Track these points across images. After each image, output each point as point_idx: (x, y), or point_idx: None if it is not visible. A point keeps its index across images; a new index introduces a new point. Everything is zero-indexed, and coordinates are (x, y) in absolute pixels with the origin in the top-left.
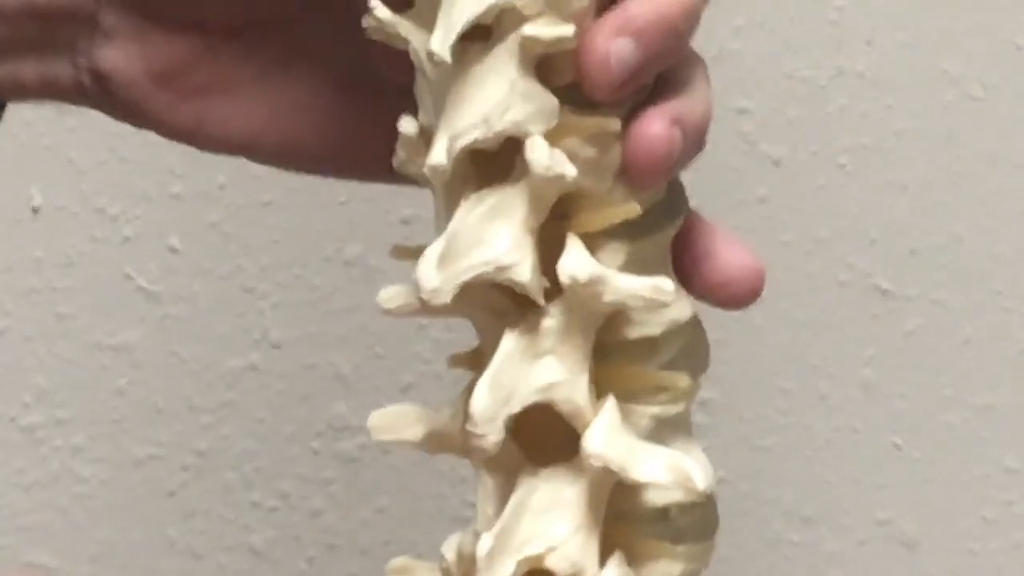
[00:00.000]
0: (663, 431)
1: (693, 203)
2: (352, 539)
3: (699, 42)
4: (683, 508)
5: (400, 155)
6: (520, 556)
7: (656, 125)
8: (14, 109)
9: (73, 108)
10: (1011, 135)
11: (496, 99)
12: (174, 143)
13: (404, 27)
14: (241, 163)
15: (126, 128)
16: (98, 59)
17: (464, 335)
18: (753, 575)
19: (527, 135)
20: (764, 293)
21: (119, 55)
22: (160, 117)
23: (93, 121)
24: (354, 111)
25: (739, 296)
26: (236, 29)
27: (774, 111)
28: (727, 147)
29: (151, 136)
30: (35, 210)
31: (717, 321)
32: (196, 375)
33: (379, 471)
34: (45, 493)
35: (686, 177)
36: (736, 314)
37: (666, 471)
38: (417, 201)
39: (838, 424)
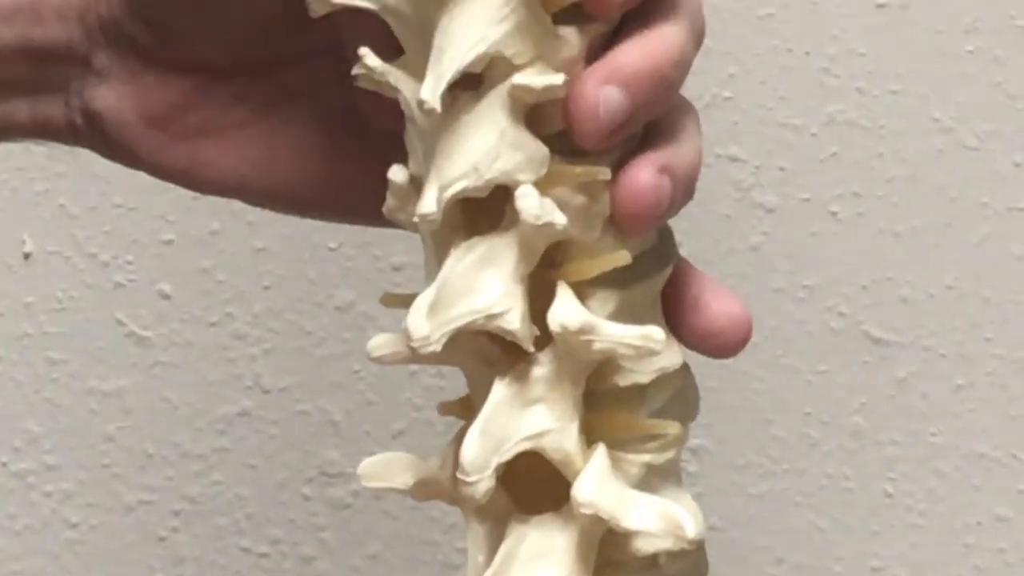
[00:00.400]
0: (653, 479)
1: (686, 251)
2: None
3: (691, 90)
4: (672, 556)
5: (390, 203)
6: None
7: (644, 174)
8: (6, 154)
9: (65, 153)
10: (1002, 183)
11: (486, 148)
12: (166, 188)
13: (394, 75)
14: (233, 210)
15: (118, 174)
16: (91, 100)
17: (455, 382)
18: None
19: (517, 184)
20: (756, 340)
21: (111, 96)
22: (152, 158)
23: (85, 166)
24: (344, 155)
25: (727, 345)
26: (229, 72)
27: (766, 159)
28: (719, 195)
29: (143, 182)
30: (27, 255)
31: (709, 369)
32: (187, 421)
33: (371, 517)
34: (36, 538)
35: (679, 225)
36: (728, 361)
37: (656, 519)
38: (408, 247)
39: (830, 471)
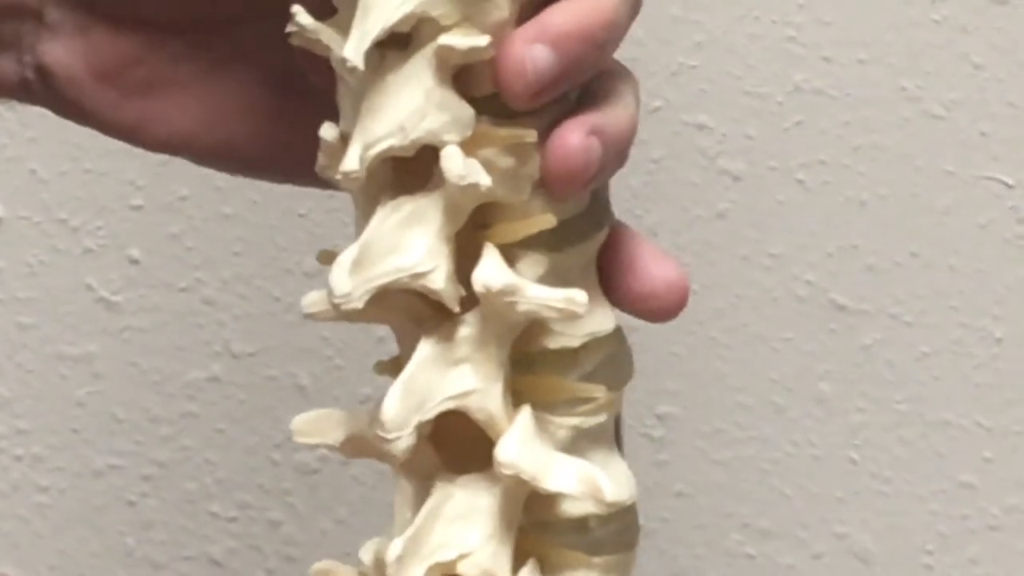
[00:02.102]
0: (582, 442)
1: (653, 218)
2: (311, 550)
3: (658, 58)
4: (602, 519)
5: (321, 160)
6: (431, 562)
7: (574, 135)
8: None
9: (36, 118)
10: (968, 152)
11: (412, 108)
12: (135, 154)
13: (325, 34)
14: (203, 175)
15: (88, 139)
16: (42, 55)
17: None
18: None
19: (443, 144)
20: (722, 307)
21: (62, 51)
22: (101, 114)
23: (55, 131)
24: (286, 115)
25: (662, 309)
26: (178, 27)
27: (733, 127)
28: (686, 162)
29: (113, 147)
30: None
31: (675, 335)
32: (156, 386)
33: (338, 482)
34: (5, 503)
35: (645, 192)
36: (694, 328)
37: (577, 482)
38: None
39: (795, 438)
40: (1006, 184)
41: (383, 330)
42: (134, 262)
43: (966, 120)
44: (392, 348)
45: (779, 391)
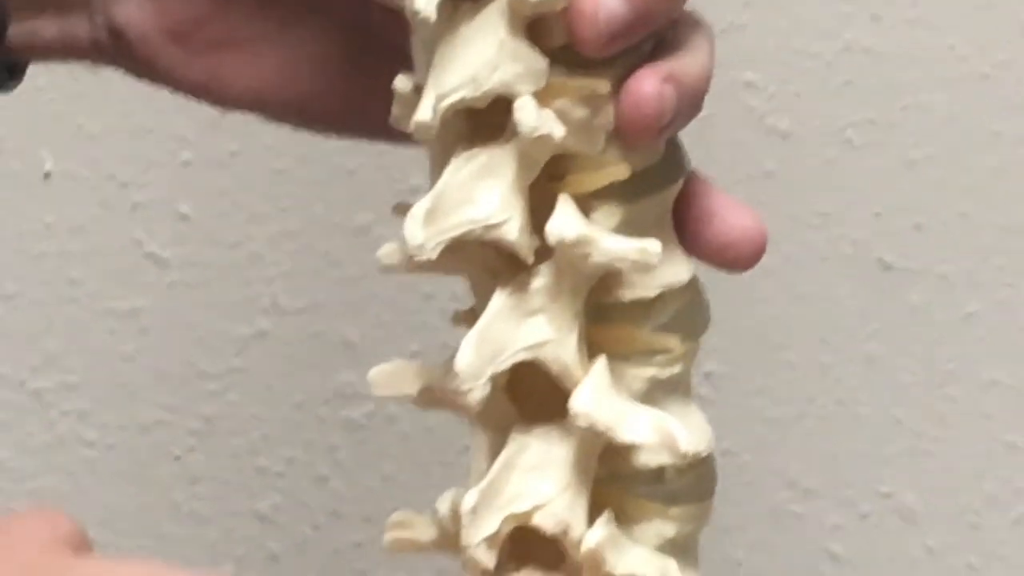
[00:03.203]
0: (657, 393)
1: None
2: (357, 506)
3: (708, 16)
4: (679, 470)
5: (395, 112)
6: (506, 512)
7: (648, 83)
8: (26, 75)
9: (85, 74)
10: (1016, 112)
11: (484, 59)
12: (185, 109)
13: None
14: (252, 131)
15: (138, 94)
16: (114, 15)
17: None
18: (755, 546)
19: (516, 95)
20: (769, 266)
21: (134, 10)
22: (173, 73)
23: (105, 87)
24: (360, 70)
25: (741, 258)
26: None
27: (781, 85)
28: (734, 121)
29: (163, 103)
30: (46, 175)
31: (723, 294)
32: (204, 341)
33: (385, 438)
34: (52, 457)
35: (693, 152)
36: (741, 287)
37: (652, 432)
38: (427, 170)
39: (841, 397)
40: None
41: (431, 287)
42: (183, 217)
43: (1014, 80)
44: (442, 305)
45: (826, 350)
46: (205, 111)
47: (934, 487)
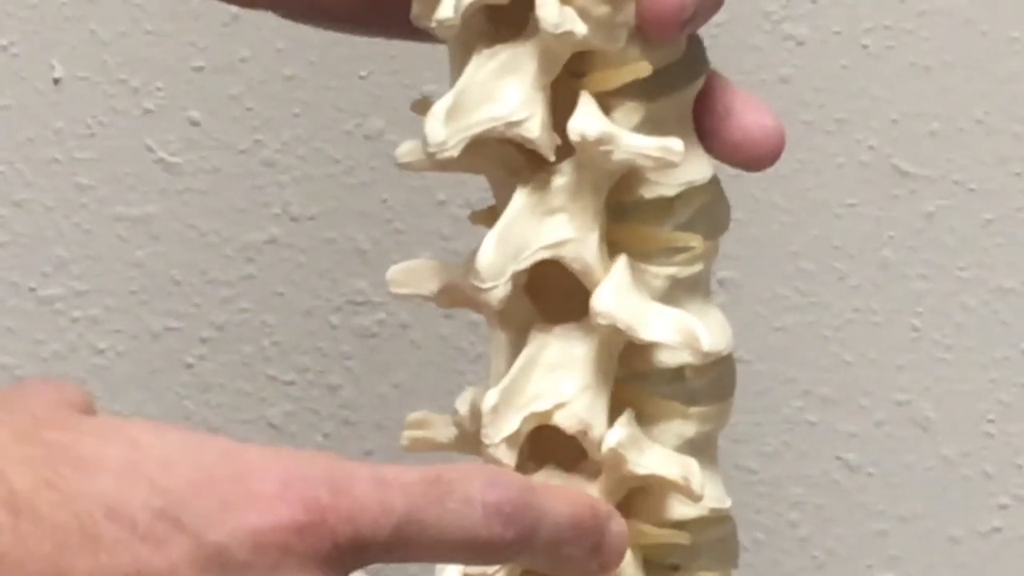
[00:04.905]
0: (678, 292)
1: None
2: (369, 414)
3: None
4: (698, 369)
5: (415, 9)
6: (527, 412)
7: None
8: None
9: None
10: None
11: None
12: (197, 14)
13: None
14: (263, 36)
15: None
16: None
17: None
18: (770, 454)
19: None
20: (784, 172)
21: None
22: None
23: None
24: None
25: (759, 156)
26: None
27: None
28: (750, 26)
29: (174, 8)
30: (56, 81)
31: (737, 200)
32: (215, 248)
33: (397, 346)
34: (62, 364)
35: (708, 56)
36: (755, 193)
37: (673, 331)
38: (439, 75)
39: (857, 305)
40: None
41: (444, 193)
42: (194, 123)
43: None
44: (453, 212)
45: (841, 257)
46: (216, 16)
47: (950, 395)
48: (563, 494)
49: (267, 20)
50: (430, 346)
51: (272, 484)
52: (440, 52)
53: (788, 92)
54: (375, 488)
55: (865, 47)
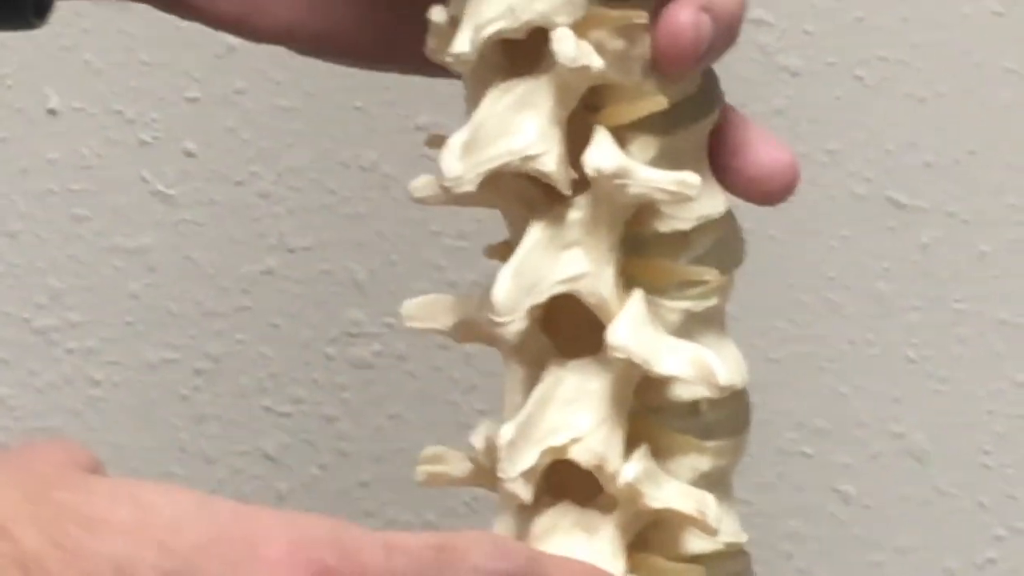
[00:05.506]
0: (693, 326)
1: None
2: (365, 445)
3: None
4: (713, 403)
5: (431, 43)
6: (543, 446)
7: (684, 12)
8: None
9: (92, 8)
10: None
11: None
12: (192, 45)
13: None
14: (259, 68)
15: (145, 29)
16: None
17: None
18: (766, 486)
19: (554, 26)
20: (780, 205)
21: None
22: (206, 6)
23: (111, 23)
24: (396, 1)
25: (773, 191)
26: None
27: (792, 22)
28: (744, 58)
29: (170, 38)
30: (51, 112)
31: None
32: (211, 279)
33: (393, 378)
34: (58, 395)
35: None
36: (751, 225)
37: (689, 365)
38: (435, 106)
39: (852, 336)
40: None
41: (438, 224)
42: (190, 155)
43: None
44: (448, 244)
45: (836, 289)
46: (211, 47)
47: (944, 427)
48: (568, 565)
49: (263, 51)
50: (426, 377)
51: (280, 548)
52: (437, 84)
53: (782, 124)
54: (382, 553)
55: (859, 78)
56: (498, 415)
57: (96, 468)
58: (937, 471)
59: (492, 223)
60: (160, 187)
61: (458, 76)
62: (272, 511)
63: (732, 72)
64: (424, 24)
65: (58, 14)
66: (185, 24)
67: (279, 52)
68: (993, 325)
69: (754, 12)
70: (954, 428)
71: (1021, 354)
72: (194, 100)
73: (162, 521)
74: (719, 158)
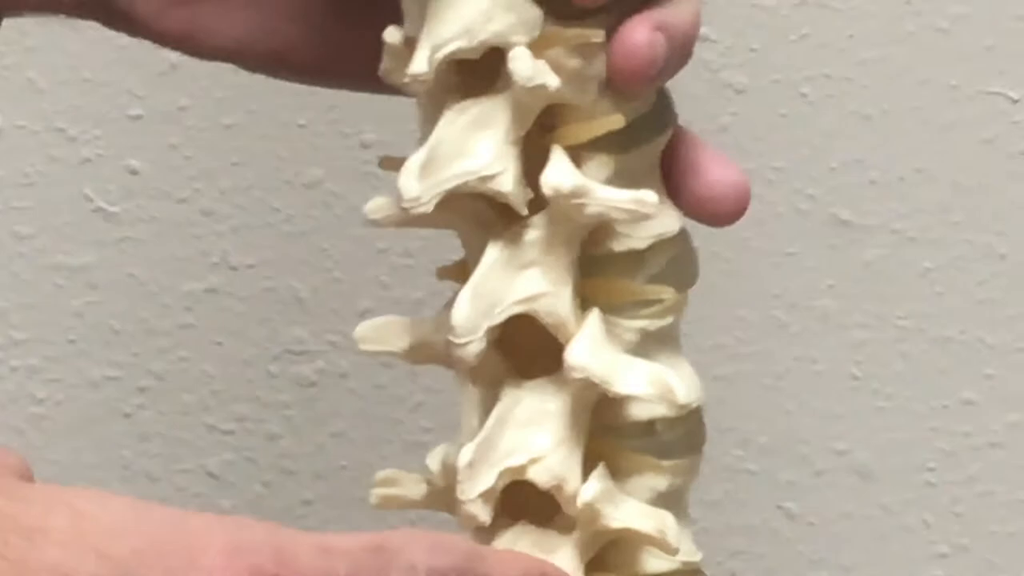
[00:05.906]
0: (649, 345)
1: None
2: (308, 463)
3: None
4: (669, 422)
5: (386, 64)
6: (501, 467)
7: (640, 31)
8: None
9: (35, 26)
10: (972, 66)
11: (479, 9)
12: (135, 63)
13: None
14: (202, 85)
15: (87, 47)
16: None
17: (424, 260)
18: (710, 503)
19: (510, 46)
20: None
21: None
22: (153, 23)
23: (54, 40)
24: (344, 19)
25: (725, 212)
26: None
27: (736, 39)
28: (689, 75)
29: (113, 56)
30: None
31: None
32: (154, 297)
33: (336, 396)
34: (1, 413)
35: None
36: (697, 242)
37: (648, 384)
38: (378, 125)
39: (797, 354)
40: (1010, 99)
41: (384, 241)
42: (132, 172)
43: (971, 34)
44: (393, 261)
45: (781, 306)
46: (154, 65)
47: (889, 444)
48: (510, 558)
49: (206, 69)
50: (369, 395)
51: (218, 553)
52: (381, 101)
53: (727, 141)
54: (319, 556)
55: (804, 95)
56: (443, 433)
57: (25, 472)
58: (881, 488)
59: (438, 241)
60: (103, 204)
61: (408, 95)
62: (209, 517)
63: (677, 89)
64: (371, 39)
65: (1, 33)
66: (128, 42)
67: (222, 69)
68: (937, 342)
69: (700, 29)
70: (898, 445)
71: (965, 371)
72: (137, 118)
73: (99, 529)
74: (671, 178)
